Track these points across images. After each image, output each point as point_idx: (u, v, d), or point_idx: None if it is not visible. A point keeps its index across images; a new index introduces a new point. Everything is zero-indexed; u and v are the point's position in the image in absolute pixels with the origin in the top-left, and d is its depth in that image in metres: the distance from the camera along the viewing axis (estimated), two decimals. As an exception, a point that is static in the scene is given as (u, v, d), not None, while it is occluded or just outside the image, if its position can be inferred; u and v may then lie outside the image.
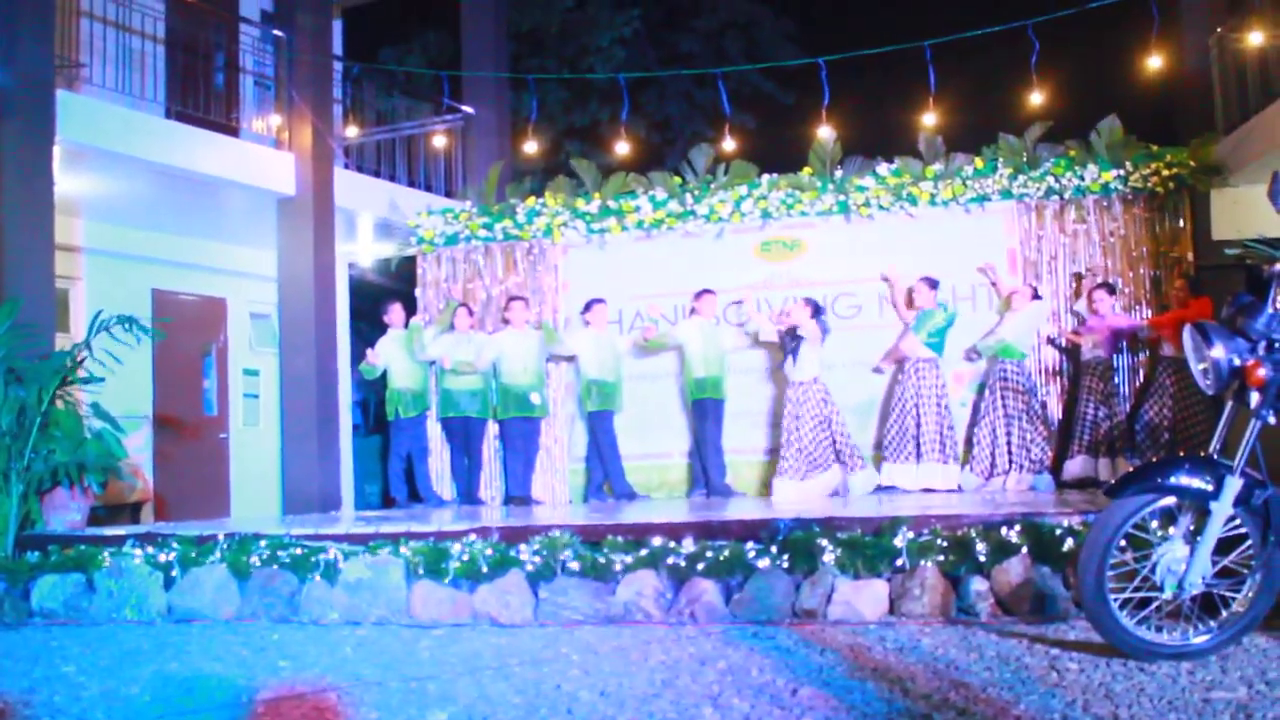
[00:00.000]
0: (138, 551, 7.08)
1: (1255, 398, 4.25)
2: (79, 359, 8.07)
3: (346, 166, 12.67)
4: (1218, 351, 4.27)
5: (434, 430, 11.54)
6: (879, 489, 10.08)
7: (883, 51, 11.30)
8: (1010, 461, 9.95)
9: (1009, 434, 9.99)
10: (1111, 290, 10.17)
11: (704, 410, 10.60)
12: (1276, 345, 4.24)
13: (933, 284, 10.22)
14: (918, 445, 10.03)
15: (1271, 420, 4.27)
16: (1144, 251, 10.35)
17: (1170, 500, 4.41)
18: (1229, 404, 4.42)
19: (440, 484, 11.50)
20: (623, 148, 12.67)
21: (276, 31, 11.91)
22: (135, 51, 11.06)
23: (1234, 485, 4.28)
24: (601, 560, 6.29)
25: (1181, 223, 10.42)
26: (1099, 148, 10.43)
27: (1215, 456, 4.39)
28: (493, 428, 11.36)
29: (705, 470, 10.59)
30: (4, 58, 8.96)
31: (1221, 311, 4.42)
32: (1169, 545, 4.42)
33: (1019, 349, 10.09)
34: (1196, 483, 4.32)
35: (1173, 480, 4.34)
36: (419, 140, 13.79)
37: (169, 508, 11.91)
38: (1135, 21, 11.61)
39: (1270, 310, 4.26)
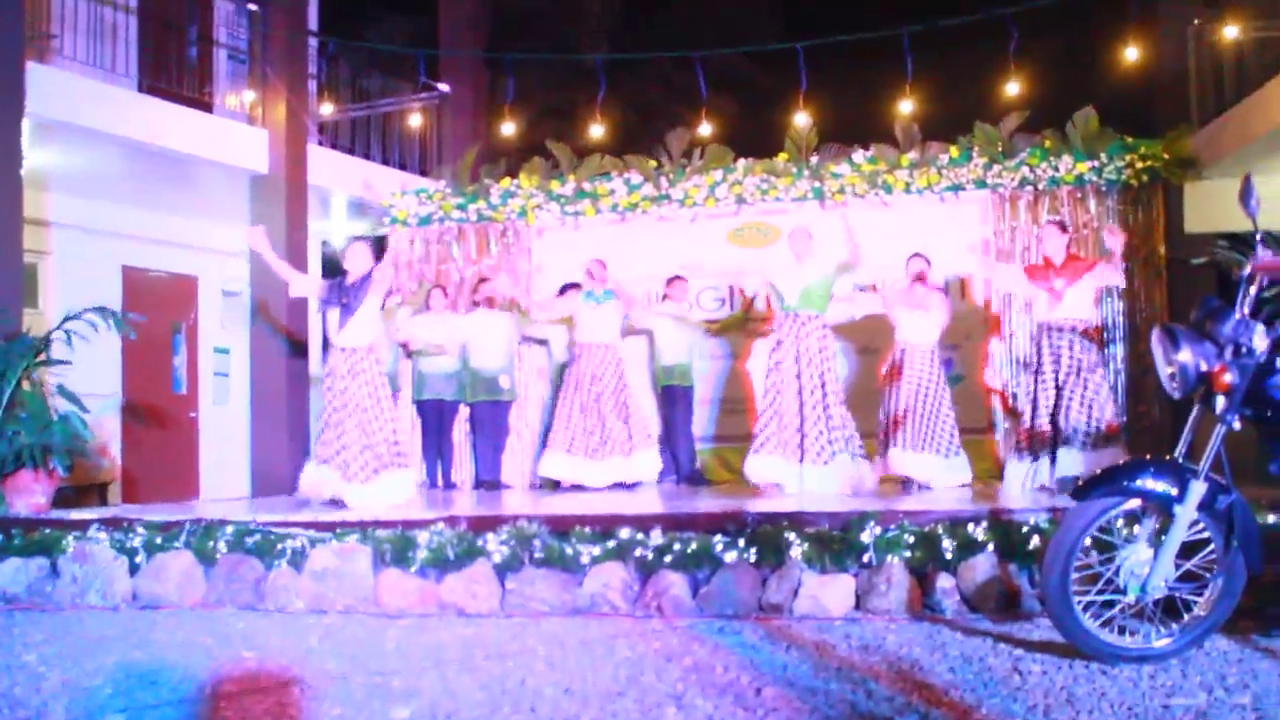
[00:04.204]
0: (103, 536, 7.02)
1: (1221, 402, 4.27)
2: (47, 340, 7.98)
3: (321, 144, 12.56)
4: (1185, 356, 4.28)
5: (405, 412, 11.47)
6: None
7: (861, 39, 11.27)
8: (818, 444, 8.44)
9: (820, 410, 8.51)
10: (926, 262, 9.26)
11: (673, 397, 10.60)
12: (1244, 350, 4.25)
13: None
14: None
15: (1237, 425, 4.29)
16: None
17: (1135, 503, 4.43)
18: (1196, 407, 4.43)
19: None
20: (598, 130, 12.60)
21: (251, 5, 11.78)
22: (107, 24, 10.93)
23: (1198, 490, 4.30)
24: (569, 551, 6.28)
25: (1155, 215, 10.45)
26: (1074, 139, 10.44)
27: (1180, 460, 4.41)
28: (464, 411, 11.31)
29: (675, 457, 10.59)
30: (-29, 31, 8.84)
31: (1191, 314, 4.43)
32: (1133, 548, 4.44)
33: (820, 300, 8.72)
34: (1161, 486, 4.34)
35: (1138, 484, 4.36)
36: (394, 118, 13.69)
37: (137, 487, 11.82)
38: (1113, 12, 11.63)
39: (1238, 315, 4.27)
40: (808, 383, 8.43)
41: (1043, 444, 8.34)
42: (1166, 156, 10.29)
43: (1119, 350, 10.35)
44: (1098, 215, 10.42)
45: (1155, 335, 4.44)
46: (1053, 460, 8.28)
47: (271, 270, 8.86)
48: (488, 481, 10.90)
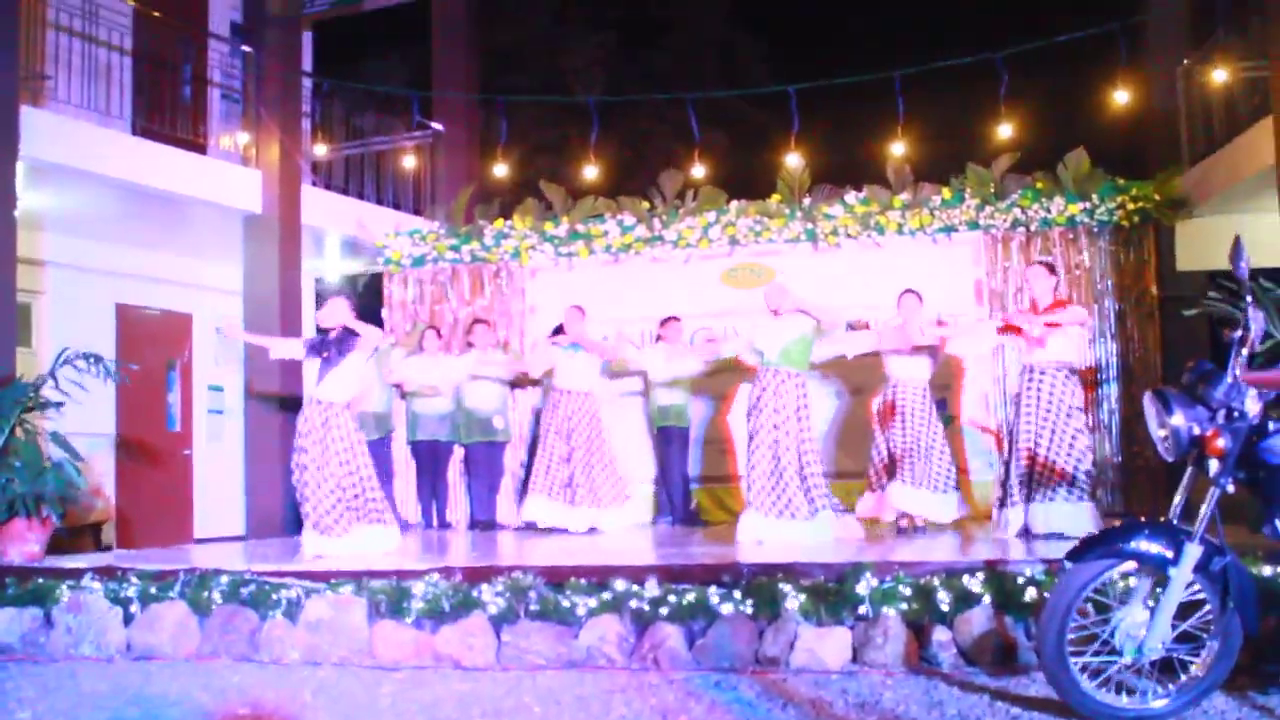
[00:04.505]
0: (97, 585, 6.99)
1: (1214, 466, 4.28)
2: (39, 388, 7.96)
3: (314, 184, 12.58)
4: (1178, 420, 4.30)
5: (399, 453, 11.49)
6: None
7: (853, 81, 11.34)
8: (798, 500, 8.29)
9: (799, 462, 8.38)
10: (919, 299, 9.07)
11: (668, 437, 10.61)
12: (1236, 414, 4.27)
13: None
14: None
15: (1230, 489, 4.30)
16: (1108, 285, 10.43)
17: (1130, 565, 4.44)
18: (1189, 469, 4.45)
19: (405, 507, 11.46)
20: (592, 168, 12.61)
21: (245, 47, 11.82)
22: (101, 65, 10.96)
23: (1193, 552, 4.31)
24: (565, 603, 6.26)
25: (1146, 255, 10.50)
26: (1065, 180, 10.51)
27: (1175, 522, 4.42)
28: (459, 451, 11.32)
29: (670, 498, 10.62)
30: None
31: (1183, 378, 4.45)
32: (1128, 610, 4.44)
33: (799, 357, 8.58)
34: (1156, 549, 4.34)
35: (1133, 546, 4.36)
36: (388, 156, 13.72)
37: (131, 526, 11.81)
38: (1103, 54, 11.70)
39: (1229, 379, 4.29)
40: (785, 439, 8.29)
41: (1022, 486, 8.22)
42: (1157, 197, 10.36)
43: (1112, 390, 10.39)
44: (1089, 255, 10.48)
45: (1147, 399, 4.46)
46: (1028, 504, 8.16)
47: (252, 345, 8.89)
48: (483, 522, 10.90)
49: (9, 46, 9.18)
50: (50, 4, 10.39)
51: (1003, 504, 8.34)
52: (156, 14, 11.57)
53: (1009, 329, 8.46)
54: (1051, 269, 8.61)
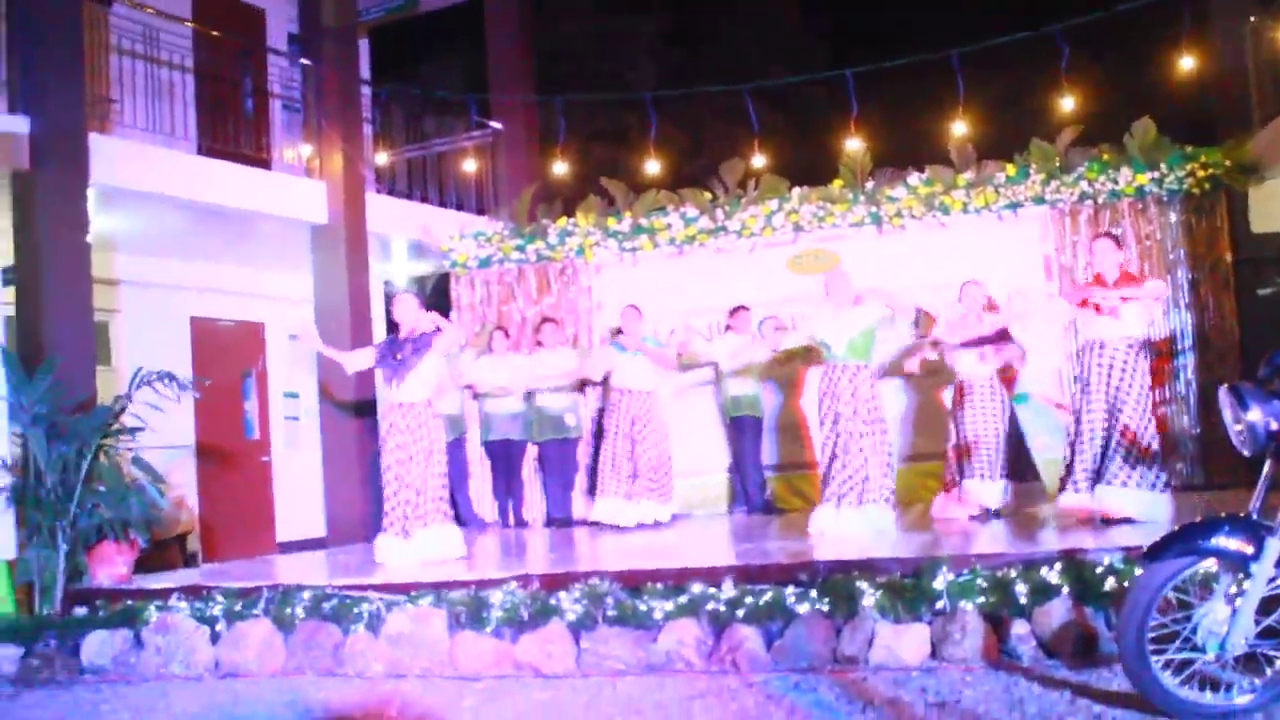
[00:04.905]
0: (183, 605, 7.15)
1: (1294, 460, 4.20)
2: (118, 413, 8.12)
3: (378, 190, 12.70)
4: (1254, 415, 4.22)
5: (474, 453, 11.60)
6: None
7: (911, 61, 11.22)
8: (855, 491, 8.32)
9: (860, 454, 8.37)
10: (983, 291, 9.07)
11: (741, 427, 10.61)
12: (1315, 408, 4.19)
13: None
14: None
15: (1312, 481, 4.23)
16: (1180, 254, 10.24)
17: (1211, 562, 4.37)
18: (1268, 463, 4.36)
19: (481, 506, 11.58)
20: (651, 159, 12.57)
21: (304, 60, 11.94)
22: (164, 86, 11.13)
23: (1275, 546, 4.23)
24: (642, 608, 6.29)
25: (1218, 221, 10.30)
26: (1132, 150, 10.33)
27: (1255, 517, 4.35)
28: (532, 450, 11.40)
29: (745, 488, 10.63)
30: (36, 106, 9.02)
31: (1258, 371, 4.37)
32: (1210, 606, 4.38)
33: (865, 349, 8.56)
34: (1236, 545, 4.27)
35: (1212, 543, 4.30)
36: (450, 158, 13.82)
37: (215, 534, 12.03)
38: (1166, 21, 11.46)
39: (1307, 371, 4.20)
40: (847, 430, 8.30)
41: (1087, 469, 7.72)
42: (1228, 163, 10.15)
43: (1189, 361, 10.20)
44: (1160, 226, 10.30)
45: (1222, 393, 4.38)
46: (1092, 486, 7.70)
47: (325, 357, 9.26)
48: (559, 519, 10.99)
49: (76, 80, 9.34)
50: (113, 29, 10.55)
51: (1064, 486, 7.95)
52: (215, 33, 11.73)
53: (1084, 304, 7.96)
54: (1118, 242, 8.13)
